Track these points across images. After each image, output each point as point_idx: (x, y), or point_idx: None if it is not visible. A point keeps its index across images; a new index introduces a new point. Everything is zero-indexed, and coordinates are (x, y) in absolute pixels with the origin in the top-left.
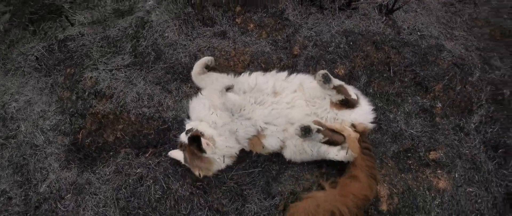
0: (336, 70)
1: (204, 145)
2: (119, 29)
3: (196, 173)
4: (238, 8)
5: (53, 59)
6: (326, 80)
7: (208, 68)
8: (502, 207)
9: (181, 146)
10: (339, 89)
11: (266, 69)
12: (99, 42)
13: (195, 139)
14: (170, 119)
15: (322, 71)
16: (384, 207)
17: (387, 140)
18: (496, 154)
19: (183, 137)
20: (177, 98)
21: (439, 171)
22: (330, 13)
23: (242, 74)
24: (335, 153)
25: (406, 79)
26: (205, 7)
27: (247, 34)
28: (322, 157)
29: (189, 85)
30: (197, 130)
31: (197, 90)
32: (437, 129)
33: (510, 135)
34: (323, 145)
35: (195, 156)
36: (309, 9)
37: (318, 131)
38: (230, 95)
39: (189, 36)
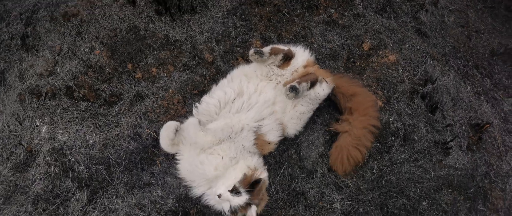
0: (252, 45)
1: (258, 175)
2: (41, 178)
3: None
4: (129, 66)
5: None
6: (259, 54)
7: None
8: (421, 37)
9: (245, 206)
10: (274, 51)
11: (202, 92)
12: (35, 208)
13: (253, 184)
14: (177, 205)
15: (251, 51)
16: (380, 103)
17: (330, 62)
18: (387, 14)
19: (236, 199)
20: (160, 182)
21: (380, 52)
22: (203, 6)
23: (194, 107)
24: (322, 89)
25: (298, 12)
26: (97, 90)
27: (158, 79)
28: (316, 102)
29: (157, 162)
30: (243, 177)
31: (168, 158)
32: (348, 28)
33: None
34: (310, 91)
35: (258, 191)
36: (184, 18)
37: (299, 83)
38: (211, 125)
39: (110, 125)
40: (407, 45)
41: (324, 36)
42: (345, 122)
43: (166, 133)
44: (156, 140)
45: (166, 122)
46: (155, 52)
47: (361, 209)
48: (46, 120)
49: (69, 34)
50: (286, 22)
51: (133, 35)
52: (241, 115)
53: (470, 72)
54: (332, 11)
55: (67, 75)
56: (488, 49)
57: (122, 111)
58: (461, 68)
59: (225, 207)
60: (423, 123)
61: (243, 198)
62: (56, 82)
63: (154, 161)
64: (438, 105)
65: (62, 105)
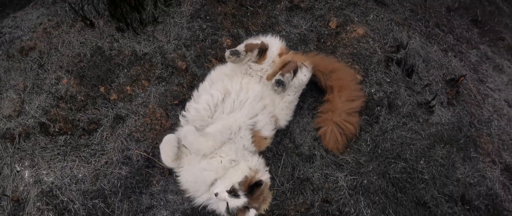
0: (224, 45)
1: (259, 177)
2: None
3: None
4: (102, 89)
5: None
6: (236, 54)
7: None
8: (381, 6)
9: (243, 209)
10: (249, 48)
11: (182, 101)
12: None
13: (253, 186)
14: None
15: (226, 53)
16: (359, 77)
17: (302, 47)
18: None
19: (233, 201)
20: (162, 202)
21: (348, 28)
22: (165, 14)
23: (180, 116)
24: (304, 74)
25: (260, 3)
26: (73, 121)
27: (135, 97)
28: (300, 89)
29: (154, 182)
30: (244, 179)
31: (165, 175)
32: (311, 10)
33: None
34: (294, 80)
35: (258, 194)
36: (148, 30)
37: (282, 74)
38: (209, 129)
39: (96, 155)
40: (371, 16)
41: (290, 22)
42: (328, 102)
43: (169, 148)
44: (148, 159)
45: (163, 137)
46: (125, 70)
47: (365, 181)
48: (26, 164)
49: (30, 68)
50: (251, 15)
51: (99, 57)
52: (236, 114)
53: (433, 32)
54: None
55: (38, 111)
56: (444, 6)
57: (104, 137)
58: (423, 29)
59: (221, 207)
60: (403, 88)
61: (241, 201)
62: (27, 121)
63: (151, 181)
64: (414, 68)
65: (39, 144)
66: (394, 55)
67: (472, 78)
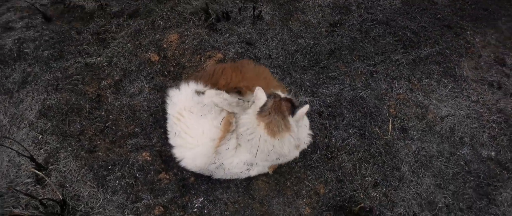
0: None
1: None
2: None
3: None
4: None
5: None
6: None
7: None
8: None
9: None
10: None
11: (135, 193)
12: None
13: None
14: None
15: None
16: (220, 55)
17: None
18: None
19: None
20: None
21: (164, 45)
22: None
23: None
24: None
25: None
26: None
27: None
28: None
29: None
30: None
31: None
32: (127, 72)
33: None
34: None
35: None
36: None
37: None
38: None
39: None
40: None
41: (124, 93)
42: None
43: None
44: None
45: None
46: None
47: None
48: None
49: None
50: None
51: None
52: None
53: None
54: (92, 49)
55: None
56: None
57: None
58: None
59: None
60: (236, 26)
61: None
62: None
63: None
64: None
65: None
66: (209, 15)
67: None
